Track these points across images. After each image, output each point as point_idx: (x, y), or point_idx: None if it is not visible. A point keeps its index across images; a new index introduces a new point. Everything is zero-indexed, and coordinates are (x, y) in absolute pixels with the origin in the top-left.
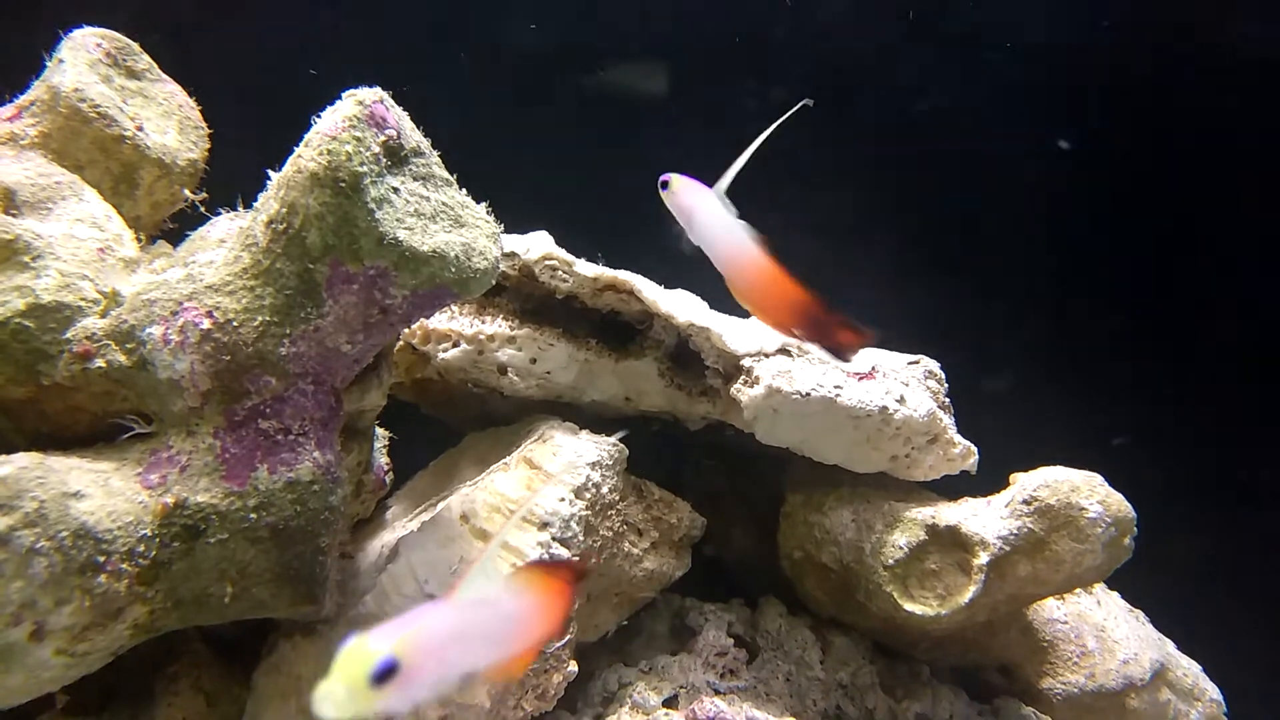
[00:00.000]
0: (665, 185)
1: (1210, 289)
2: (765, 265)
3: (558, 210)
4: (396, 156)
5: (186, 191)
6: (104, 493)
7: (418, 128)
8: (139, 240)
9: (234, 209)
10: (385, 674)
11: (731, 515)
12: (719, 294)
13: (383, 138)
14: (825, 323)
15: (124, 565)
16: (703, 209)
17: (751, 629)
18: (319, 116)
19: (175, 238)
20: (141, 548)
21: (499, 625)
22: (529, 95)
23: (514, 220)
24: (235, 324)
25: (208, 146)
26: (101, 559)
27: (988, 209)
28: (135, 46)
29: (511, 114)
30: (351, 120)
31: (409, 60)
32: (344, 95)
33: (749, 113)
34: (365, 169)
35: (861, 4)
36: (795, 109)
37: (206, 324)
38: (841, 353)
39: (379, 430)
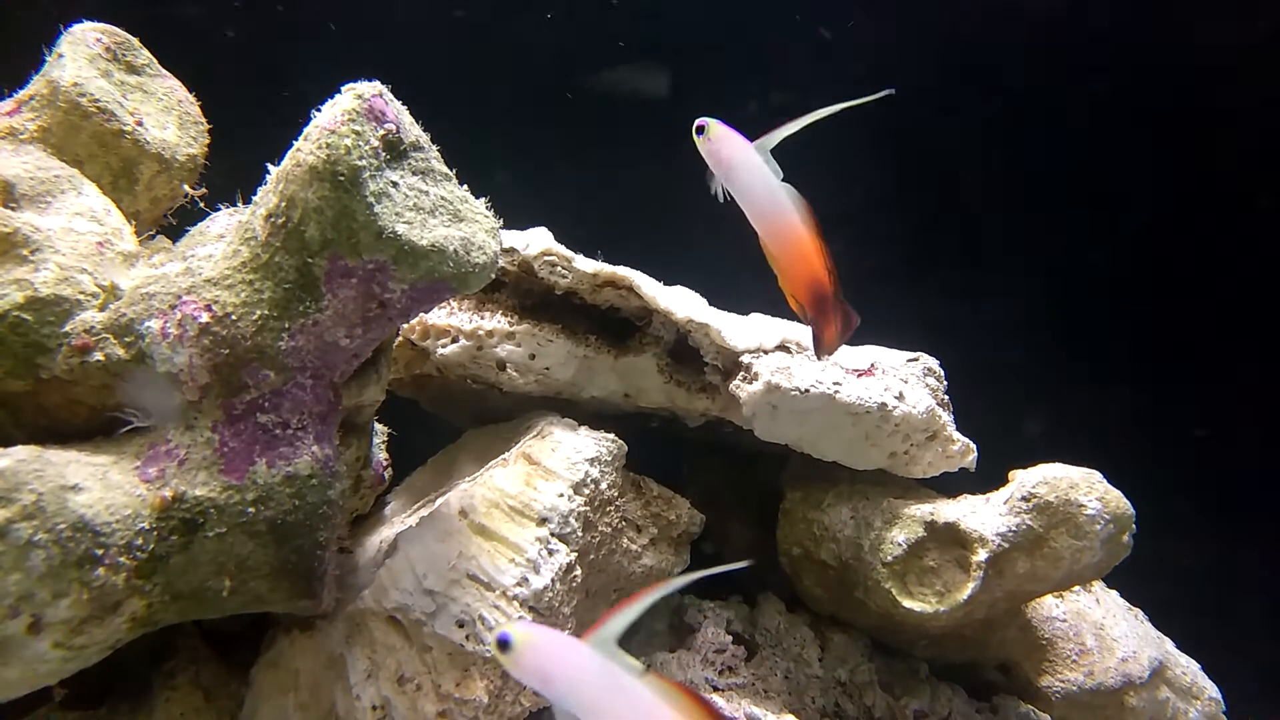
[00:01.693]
0: (701, 130)
1: (1212, 287)
2: (800, 233)
3: (557, 206)
4: (395, 150)
5: (186, 187)
6: (102, 486)
7: (417, 122)
8: (138, 235)
9: (233, 204)
10: (501, 645)
11: (730, 512)
12: (719, 292)
13: (382, 132)
14: (826, 308)
15: (122, 558)
16: (744, 162)
17: (750, 626)
18: (318, 110)
19: (175, 233)
20: (139, 541)
21: (621, 709)
22: (530, 92)
23: (514, 216)
24: (234, 318)
25: (207, 142)
26: (99, 552)
27: (988, 205)
28: (135, 41)
29: (513, 110)
30: (350, 114)
31: (409, 55)
32: (343, 89)
33: (750, 113)
34: (364, 163)
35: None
36: (876, 96)
37: (205, 317)
38: (820, 341)
39: (378, 426)
